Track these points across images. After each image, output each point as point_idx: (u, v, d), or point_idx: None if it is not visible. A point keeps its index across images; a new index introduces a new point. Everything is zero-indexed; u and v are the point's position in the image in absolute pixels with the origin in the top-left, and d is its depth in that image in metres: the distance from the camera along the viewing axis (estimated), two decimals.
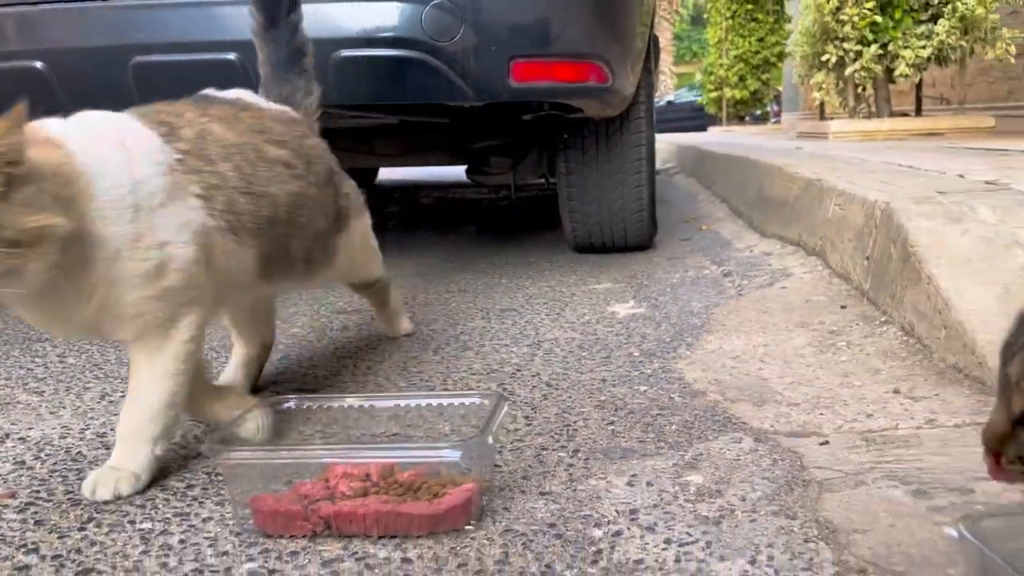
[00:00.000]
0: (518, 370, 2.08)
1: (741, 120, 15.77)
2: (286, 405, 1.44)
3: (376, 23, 2.71)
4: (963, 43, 7.13)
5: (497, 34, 2.77)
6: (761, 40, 14.41)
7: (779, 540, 1.19)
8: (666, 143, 11.50)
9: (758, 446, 1.53)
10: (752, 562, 1.14)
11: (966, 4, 6.96)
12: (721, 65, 14.87)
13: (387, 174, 8.83)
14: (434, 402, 1.44)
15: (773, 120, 16.81)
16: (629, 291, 2.98)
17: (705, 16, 18.03)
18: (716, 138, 11.21)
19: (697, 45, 20.56)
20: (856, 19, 7.18)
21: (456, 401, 1.44)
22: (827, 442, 1.53)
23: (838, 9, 7.27)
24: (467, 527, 1.28)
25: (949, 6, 7.05)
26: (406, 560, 1.19)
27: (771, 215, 3.88)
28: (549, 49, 2.85)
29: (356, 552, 1.22)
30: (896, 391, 1.76)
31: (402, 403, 1.45)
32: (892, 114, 7.86)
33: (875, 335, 2.14)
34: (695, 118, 20.91)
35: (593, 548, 1.21)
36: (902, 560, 1.12)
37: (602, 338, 2.36)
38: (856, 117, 7.86)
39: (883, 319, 2.23)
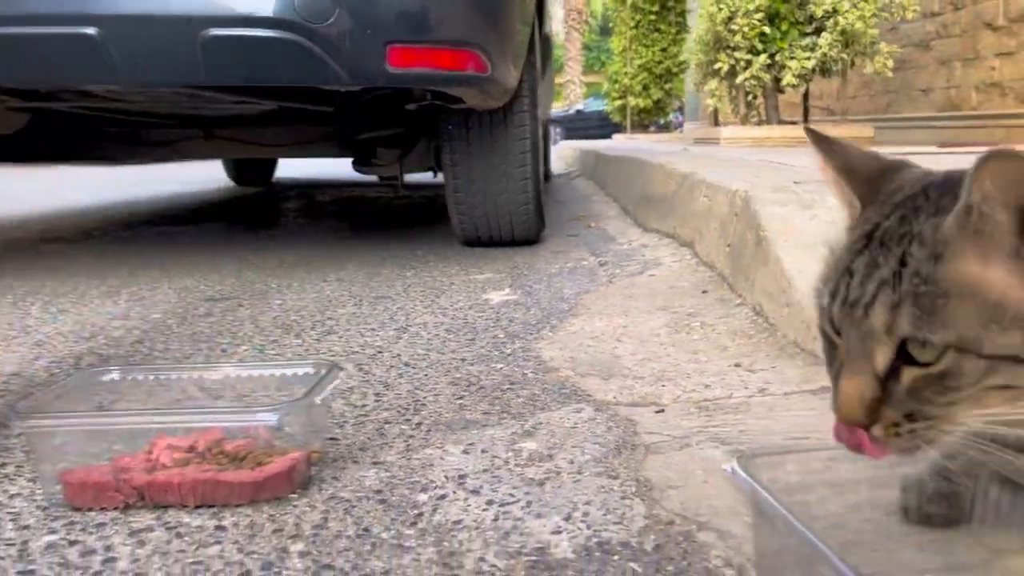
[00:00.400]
0: (379, 352, 2.06)
1: (645, 128, 16.11)
2: (108, 376, 1.38)
3: (247, 2, 2.65)
4: (844, 56, 7.46)
5: (373, 18, 2.74)
6: (664, 50, 14.77)
7: (597, 498, 1.21)
8: (570, 148, 11.67)
9: (597, 415, 1.56)
10: (567, 518, 1.15)
11: (847, 19, 7.28)
12: (625, 74, 15.17)
13: (285, 172, 8.67)
14: (266, 372, 1.41)
15: (678, 129, 17.25)
16: (507, 280, 2.99)
17: (611, 25, 18.35)
18: (618, 144, 11.42)
19: (605, 55, 20.94)
20: (746, 29, 7.42)
21: (289, 371, 1.41)
22: (663, 410, 1.56)
23: (730, 19, 7.51)
24: (291, 495, 1.26)
25: (831, 20, 7.37)
26: (220, 528, 1.16)
27: (652, 211, 3.97)
28: (426, 35, 2.84)
29: (168, 522, 1.18)
30: (737, 365, 1.82)
31: (232, 373, 1.41)
32: (781, 122, 8.15)
33: (728, 316, 2.21)
34: (603, 126, 21.26)
35: (415, 511, 1.20)
36: (707, 511, 1.15)
37: (471, 322, 2.36)
38: (747, 124, 8.12)
39: (738, 302, 2.30)
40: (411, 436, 1.49)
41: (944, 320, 0.68)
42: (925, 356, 0.70)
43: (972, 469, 1.00)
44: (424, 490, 1.27)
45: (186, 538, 1.13)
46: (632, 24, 14.87)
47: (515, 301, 2.62)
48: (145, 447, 1.31)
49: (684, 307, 2.37)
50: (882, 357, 0.71)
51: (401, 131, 3.92)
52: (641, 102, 15.18)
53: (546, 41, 4.97)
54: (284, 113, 3.92)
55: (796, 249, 2.08)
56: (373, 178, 7.63)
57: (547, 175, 7.84)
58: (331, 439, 1.47)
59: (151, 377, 1.39)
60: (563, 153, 12.01)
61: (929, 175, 0.80)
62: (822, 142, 0.85)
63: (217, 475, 1.23)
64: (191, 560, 1.07)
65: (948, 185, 0.76)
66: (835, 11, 7.37)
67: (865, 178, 0.82)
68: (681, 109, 17.26)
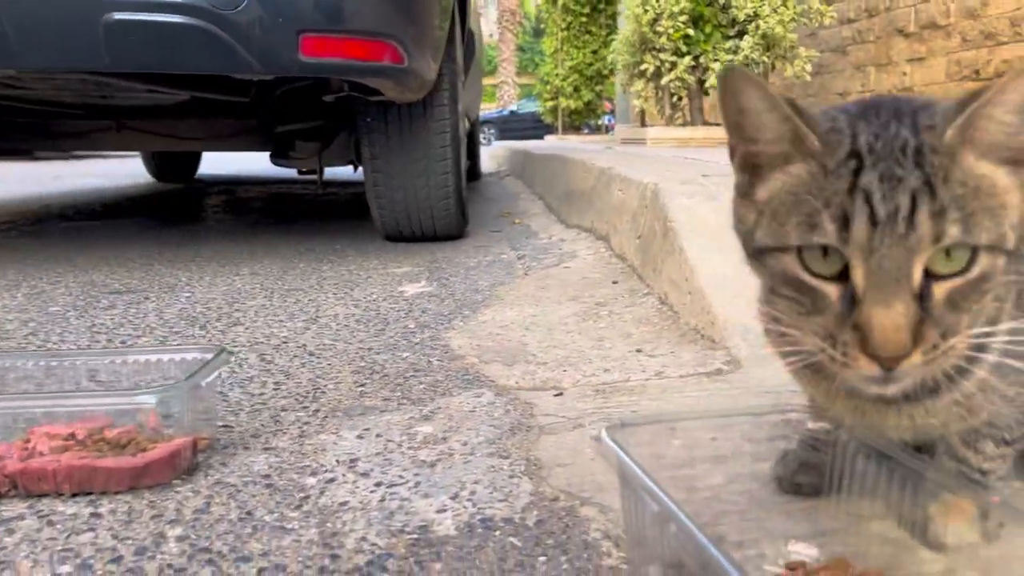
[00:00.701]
0: (284, 342, 2.03)
1: (577, 130, 16.23)
2: None
3: None
4: (765, 59, 7.65)
5: (285, 6, 2.70)
6: (595, 52, 14.90)
7: (486, 477, 1.22)
8: (502, 148, 11.69)
9: (496, 399, 1.56)
10: (454, 497, 1.15)
11: (767, 23, 7.47)
12: (557, 75, 15.27)
13: (210, 169, 8.48)
14: (152, 357, 1.38)
15: (610, 131, 17.42)
16: (425, 273, 2.98)
17: (543, 27, 18.46)
18: (548, 144, 11.49)
19: (539, 56, 21.08)
20: (671, 31, 7.55)
21: (178, 356, 1.38)
22: (561, 394, 1.58)
23: (655, 21, 7.63)
24: (175, 482, 1.23)
25: (752, 24, 7.55)
26: (96, 515, 1.13)
27: (573, 206, 4.00)
28: (341, 25, 2.81)
29: (41, 510, 1.14)
30: (639, 350, 1.84)
31: (119, 359, 1.37)
32: (705, 123, 8.32)
33: (635, 305, 2.24)
34: (537, 128, 21.35)
35: (301, 495, 1.18)
36: (592, 487, 1.16)
37: (383, 313, 2.35)
38: (672, 125, 8.26)
39: (645, 291, 2.33)
40: (306, 423, 1.47)
41: (980, 221, 0.68)
42: (951, 266, 0.68)
43: (840, 438, 1.04)
44: (313, 474, 1.25)
45: (58, 525, 1.10)
46: (563, 26, 14.98)
47: (430, 293, 2.61)
48: (22, 435, 1.27)
49: (594, 297, 2.40)
50: (919, 272, 0.67)
51: (320, 124, 3.87)
52: (572, 103, 15.29)
53: (470, 36, 4.96)
54: (201, 105, 3.83)
55: (700, 239, 2.12)
56: (294, 174, 7.52)
57: (477, 173, 7.85)
58: (224, 427, 1.45)
59: (31, 363, 1.34)
60: (495, 153, 12.03)
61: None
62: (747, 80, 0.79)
63: (94, 462, 1.19)
64: (60, 547, 1.04)
65: (911, 106, 0.75)
66: (756, 15, 7.56)
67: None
68: (613, 112, 17.46)
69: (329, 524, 1.09)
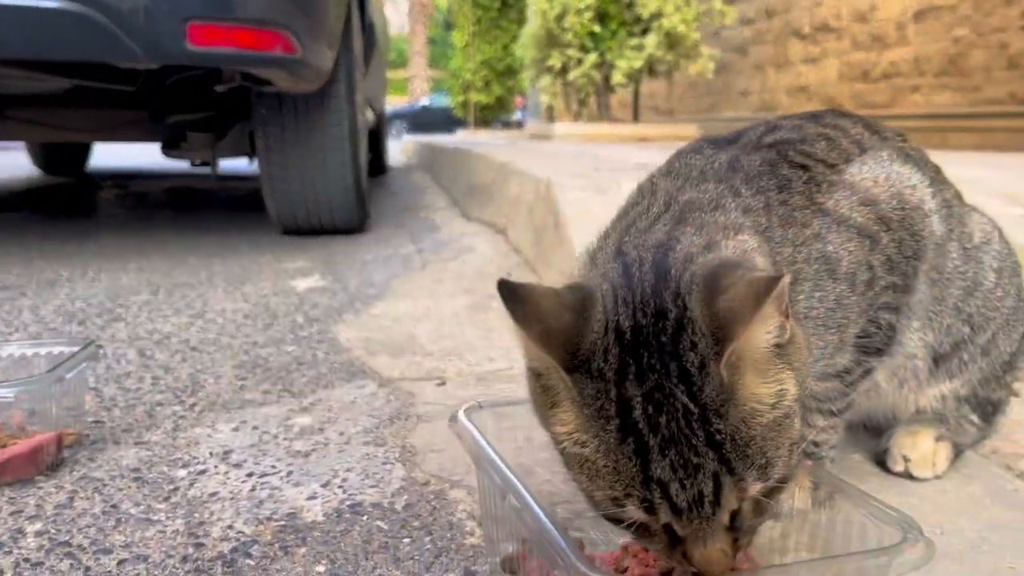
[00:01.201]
0: (166, 338, 1.99)
1: (488, 125, 16.29)
2: None
3: None
4: (669, 58, 7.84)
5: None
6: (506, 47, 14.97)
7: (359, 465, 1.23)
8: (411, 142, 11.63)
9: (379, 390, 1.57)
10: (325, 485, 1.16)
11: (670, 22, 7.66)
12: (467, 69, 15.28)
13: (103, 162, 8.16)
14: (17, 352, 1.33)
15: (522, 127, 17.53)
16: (319, 268, 2.95)
17: (453, 20, 18.43)
18: (457, 139, 11.49)
19: (451, 50, 21.05)
20: (577, 28, 7.66)
21: (43, 350, 1.34)
22: (444, 383, 1.60)
23: (561, 17, 7.72)
24: (38, 477, 1.20)
25: (656, 22, 7.72)
26: None
27: (475, 200, 4.03)
28: (229, 13, 2.75)
29: None
30: None
31: None
32: (612, 120, 8.47)
33: None
34: (449, 122, 21.30)
35: (171, 487, 1.17)
36: (462, 470, 1.19)
37: (273, 308, 2.32)
38: (579, 121, 8.39)
39: (537, 282, 2.37)
40: (182, 417, 1.45)
41: (775, 458, 0.69)
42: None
43: None
44: (185, 466, 1.24)
45: None
46: (474, 19, 14.99)
47: (323, 287, 2.59)
48: None
49: (488, 290, 2.42)
50: (727, 517, 0.70)
51: (213, 115, 3.77)
52: (483, 98, 15.33)
53: (370, 27, 4.91)
54: (88, 94, 3.69)
55: (588, 231, 2.17)
56: (199, 169, 7.32)
57: (383, 167, 7.78)
58: (95, 422, 1.41)
59: None
60: (405, 147, 11.96)
61: (612, 316, 0.72)
62: (514, 299, 0.74)
63: None
64: None
65: (659, 325, 0.69)
66: (660, 13, 7.74)
67: (563, 340, 0.70)
68: (525, 107, 17.57)
69: (196, 514, 1.08)
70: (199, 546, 1.00)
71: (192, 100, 3.70)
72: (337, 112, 3.44)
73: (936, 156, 1.16)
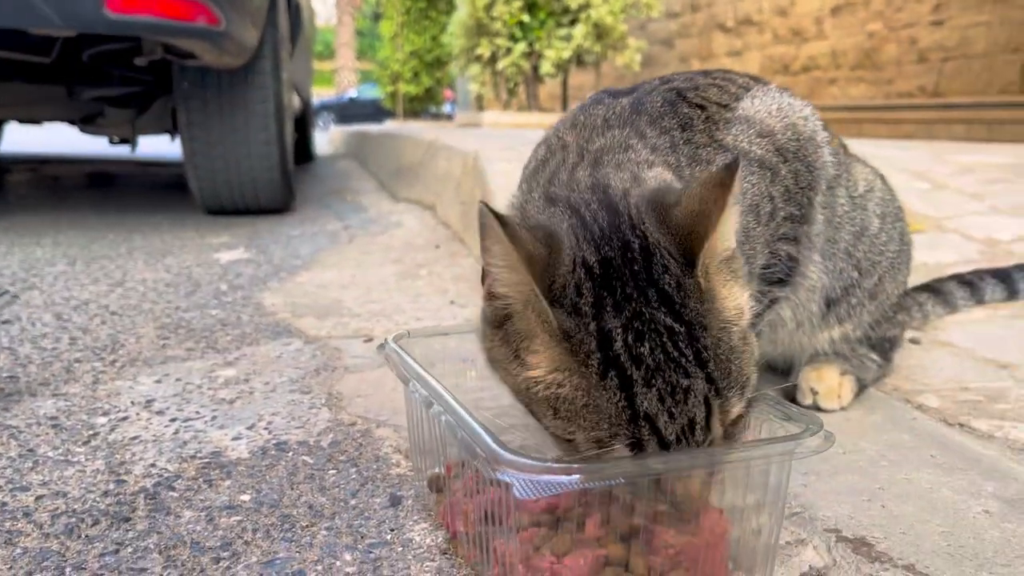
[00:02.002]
0: (84, 304, 1.94)
1: (417, 116, 16.19)
2: None
3: None
4: (597, 48, 7.93)
5: None
6: (435, 38, 14.90)
7: (285, 410, 1.23)
8: (339, 132, 11.50)
9: (305, 347, 1.57)
10: (250, 427, 1.16)
11: (598, 13, 7.75)
12: (396, 60, 15.16)
13: (13, 147, 7.84)
14: None
15: (452, 119, 17.47)
16: (244, 242, 2.91)
17: (381, 11, 18.24)
18: (386, 128, 11.41)
19: (380, 42, 20.86)
20: (506, 17, 7.69)
21: None
22: (371, 340, 1.60)
23: (490, 5, 7.73)
24: None
25: (584, 13, 7.80)
26: None
27: (403, 180, 4.02)
28: None
29: None
30: (452, 303, 1.90)
31: None
32: (541, 109, 8.53)
33: (455, 266, 2.30)
34: (377, 113, 21.08)
35: (90, 432, 1.15)
36: (389, 411, 1.20)
37: (195, 278, 2.28)
38: (508, 110, 8.42)
39: (465, 253, 2.39)
40: (102, 372, 1.42)
41: (749, 376, 0.71)
42: None
43: None
44: (105, 415, 1.22)
45: None
46: (403, 10, 14.88)
47: (247, 259, 2.56)
48: None
49: (416, 260, 2.44)
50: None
51: (134, 90, 3.67)
52: (412, 89, 15.23)
53: (297, 8, 4.85)
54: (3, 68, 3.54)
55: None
56: (120, 154, 7.09)
57: (310, 154, 7.67)
58: (9, 377, 1.38)
59: None
60: (332, 138, 11.81)
61: (578, 253, 0.71)
62: (498, 220, 0.69)
63: None
64: None
65: (648, 259, 0.70)
66: (588, 5, 7.82)
67: (543, 269, 0.69)
68: (455, 101, 17.53)
69: (118, 455, 1.07)
70: (120, 482, 0.99)
71: (112, 75, 3.60)
72: (262, 89, 3.39)
73: (852, 145, 1.23)
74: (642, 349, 0.66)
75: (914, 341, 1.46)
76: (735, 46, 8.74)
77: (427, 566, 0.80)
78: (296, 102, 5.39)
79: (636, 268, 0.69)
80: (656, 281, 0.68)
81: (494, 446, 0.67)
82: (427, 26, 14.96)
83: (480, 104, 10.06)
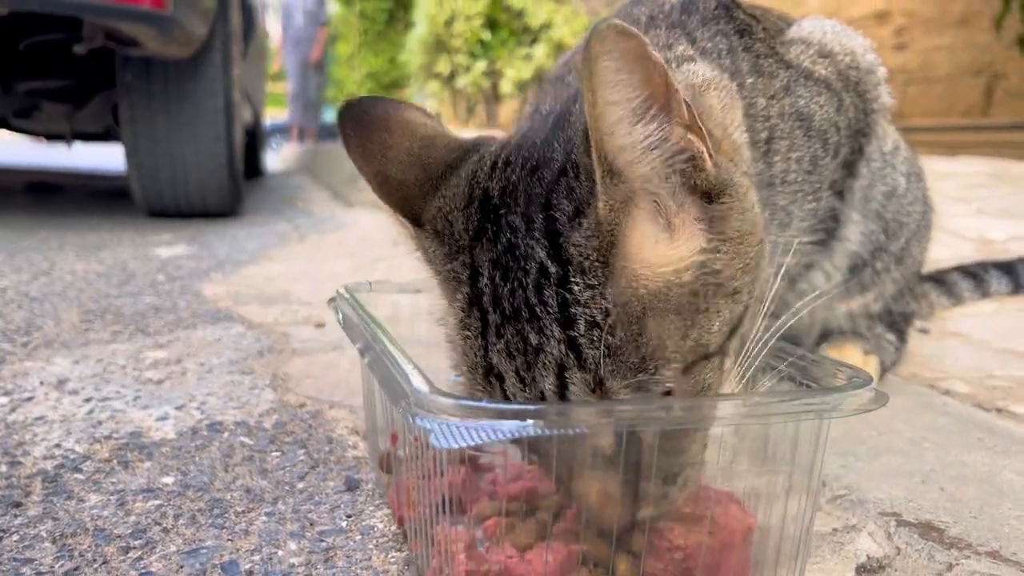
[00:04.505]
0: (2, 290, 1.73)
1: None
2: None
3: None
4: None
5: None
6: (392, 60, 14.78)
7: (222, 390, 1.06)
8: (291, 150, 11.31)
9: (247, 331, 1.40)
10: (179, 408, 0.99)
11: (559, 32, 7.71)
12: (352, 81, 15.00)
13: None
14: None
15: None
16: (186, 240, 2.72)
17: (338, 31, 18.09)
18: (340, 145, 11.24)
19: (335, 63, 20.68)
20: (467, 34, 7.61)
21: None
22: (323, 325, 1.44)
23: (450, 22, 7.65)
24: None
25: (546, 33, 7.76)
26: None
27: (358, 186, 3.86)
28: None
29: None
30: (418, 291, 1.74)
31: None
32: (500, 127, 8.45)
33: (414, 257, 2.14)
34: (332, 136, 20.84)
35: None
36: (343, 393, 1.04)
37: (131, 270, 2.08)
38: (467, 128, 8.32)
39: None
40: (11, 353, 1.23)
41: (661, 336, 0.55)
42: None
43: None
44: (7, 395, 1.04)
45: None
46: (360, 31, 14.75)
47: (189, 255, 2.37)
48: None
49: (372, 255, 2.27)
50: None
51: (72, 83, 3.45)
52: None
53: (251, 9, 4.68)
54: None
55: None
56: (60, 164, 6.79)
57: (260, 169, 7.45)
58: None
59: None
60: (284, 156, 11.59)
61: (484, 178, 0.59)
62: (350, 122, 0.63)
63: None
64: None
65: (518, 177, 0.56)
66: (549, 24, 7.78)
67: (412, 193, 0.62)
68: None
69: (16, 436, 0.89)
70: (14, 464, 0.81)
71: (47, 66, 3.38)
72: (211, 82, 3.21)
73: None
74: (504, 289, 0.52)
75: (923, 331, 1.34)
76: None
77: (392, 556, 0.64)
78: (247, 114, 5.20)
79: (538, 190, 0.53)
80: (551, 205, 0.52)
81: (416, 383, 0.50)
82: (384, 47, 14.87)
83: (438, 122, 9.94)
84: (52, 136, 4.27)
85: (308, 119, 11.71)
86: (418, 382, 0.50)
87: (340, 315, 0.74)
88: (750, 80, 0.77)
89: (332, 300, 0.80)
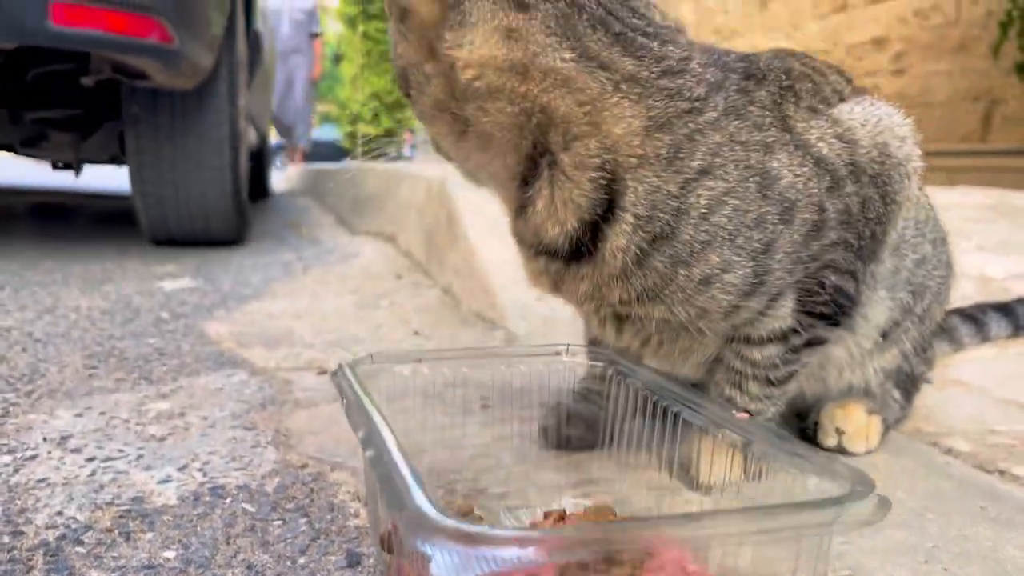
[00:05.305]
0: (7, 330, 1.74)
1: (376, 157, 16.04)
2: None
3: None
4: None
5: None
6: (395, 80, 14.82)
7: (224, 448, 1.06)
8: (296, 170, 11.35)
9: (251, 378, 1.40)
10: (182, 468, 0.99)
11: None
12: (356, 101, 15.08)
13: None
14: None
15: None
16: (191, 272, 2.73)
17: (342, 53, 18.19)
18: (345, 166, 11.27)
19: (339, 84, 20.80)
20: None
21: None
22: (325, 371, 1.44)
23: None
24: None
25: None
26: None
27: (363, 214, 3.88)
28: None
29: None
30: (417, 333, 1.74)
31: None
32: None
33: (418, 296, 2.14)
34: (336, 155, 20.92)
35: None
36: (346, 452, 1.04)
37: (135, 306, 2.09)
38: None
39: (429, 284, 2.25)
40: (15, 404, 1.24)
41: None
42: None
43: (611, 389, 0.98)
44: (11, 452, 1.04)
45: None
46: (363, 51, 14.84)
47: (193, 288, 2.38)
48: None
49: (376, 290, 2.28)
50: None
51: (79, 112, 3.48)
52: (372, 130, 15.13)
53: (257, 37, 4.71)
54: None
55: (482, 227, 2.07)
56: (66, 185, 6.84)
57: (266, 191, 7.49)
58: None
59: None
60: (289, 176, 11.64)
61: None
62: None
63: None
64: None
65: None
66: None
67: None
68: (415, 145, 17.47)
69: (19, 501, 0.89)
70: (17, 534, 0.81)
71: (56, 96, 3.41)
72: (217, 112, 3.23)
73: None
74: None
75: (926, 380, 1.34)
76: None
77: None
78: (253, 136, 5.23)
79: None
80: None
81: (417, 499, 0.50)
82: (388, 68, 14.93)
83: (436, 146, 9.96)
84: (59, 165, 4.29)
85: (293, 137, 11.69)
86: (419, 498, 0.50)
87: (343, 400, 0.74)
88: (713, 116, 0.80)
89: (334, 374, 0.80)
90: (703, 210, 0.79)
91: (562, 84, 0.78)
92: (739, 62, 0.86)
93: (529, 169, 0.82)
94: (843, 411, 1.04)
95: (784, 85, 0.86)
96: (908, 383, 1.09)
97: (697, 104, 0.80)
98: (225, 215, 3.41)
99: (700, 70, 0.82)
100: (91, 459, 1.02)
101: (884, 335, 1.00)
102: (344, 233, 4.12)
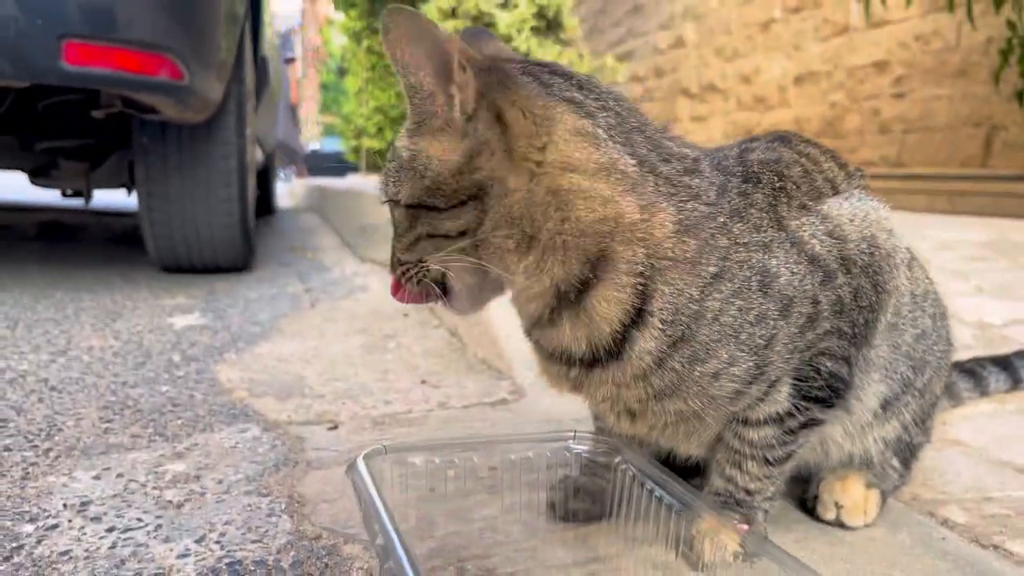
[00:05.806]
0: (21, 376, 1.78)
1: (380, 169, 16.09)
2: None
3: None
4: None
5: (46, 7, 2.44)
6: (400, 94, 14.90)
7: (240, 517, 1.09)
8: (301, 185, 11.41)
9: (264, 435, 1.43)
10: (200, 540, 1.02)
11: None
12: (360, 115, 15.13)
13: None
14: None
15: None
16: (199, 305, 2.76)
17: (346, 65, 18.27)
18: (350, 182, 11.33)
19: (344, 96, 20.89)
20: None
21: None
22: (336, 427, 1.47)
23: None
24: None
25: None
26: None
27: (369, 241, 3.91)
28: (111, 33, 2.57)
29: None
30: (424, 382, 1.77)
31: None
32: None
33: (425, 338, 2.17)
34: (340, 167, 21.01)
35: (14, 545, 1.00)
36: (356, 522, 1.07)
37: (146, 346, 2.13)
38: None
39: (436, 324, 2.27)
40: (34, 463, 1.27)
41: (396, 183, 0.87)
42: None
43: (617, 464, 1.01)
44: (32, 521, 1.07)
45: None
46: (368, 65, 14.90)
47: (203, 325, 2.41)
48: None
49: (383, 330, 2.31)
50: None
51: (89, 142, 3.53)
52: (376, 144, 15.18)
53: (263, 62, 4.76)
54: None
55: None
56: (73, 203, 6.88)
57: (271, 207, 7.54)
58: None
59: None
60: (293, 190, 11.71)
61: None
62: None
63: None
64: None
65: None
66: None
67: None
68: None
69: None
70: None
71: (67, 126, 3.46)
72: (225, 145, 3.27)
73: None
74: None
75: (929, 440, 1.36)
76: (699, 112, 8.86)
77: None
78: (259, 155, 5.27)
79: None
80: None
81: None
82: (392, 82, 14.98)
83: None
84: (68, 193, 4.33)
85: (298, 161, 11.73)
86: None
87: (360, 502, 0.77)
88: (722, 220, 0.85)
89: (349, 470, 0.83)
90: (716, 312, 0.83)
91: (630, 189, 0.80)
92: (737, 165, 0.90)
93: (583, 279, 0.83)
94: (841, 485, 1.06)
95: (777, 186, 0.89)
96: (907, 452, 1.12)
97: (711, 208, 0.84)
98: (232, 245, 3.45)
99: (709, 172, 0.86)
100: (111, 529, 1.05)
101: (884, 407, 1.03)
102: (350, 257, 4.15)
